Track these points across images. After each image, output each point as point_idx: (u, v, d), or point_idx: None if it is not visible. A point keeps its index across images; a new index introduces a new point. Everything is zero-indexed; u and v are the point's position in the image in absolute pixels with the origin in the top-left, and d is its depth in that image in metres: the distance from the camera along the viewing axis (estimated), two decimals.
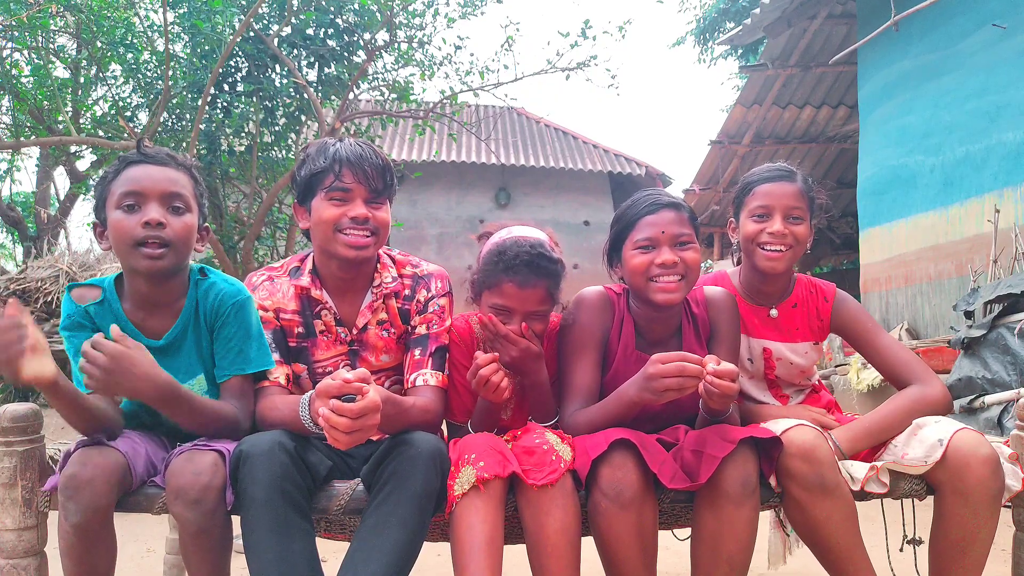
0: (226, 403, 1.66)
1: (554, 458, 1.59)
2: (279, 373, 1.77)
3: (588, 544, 1.63)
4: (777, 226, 1.89)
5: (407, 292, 1.88)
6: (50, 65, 6.13)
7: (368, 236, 1.76)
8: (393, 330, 1.87)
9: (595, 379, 1.84)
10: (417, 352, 1.82)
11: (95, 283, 1.71)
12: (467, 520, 1.54)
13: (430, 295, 1.87)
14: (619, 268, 1.88)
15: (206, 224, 1.76)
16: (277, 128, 6.32)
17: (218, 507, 1.49)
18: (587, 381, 1.82)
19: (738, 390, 1.59)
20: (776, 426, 1.67)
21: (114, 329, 1.50)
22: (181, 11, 5.70)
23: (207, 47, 5.68)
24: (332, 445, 1.46)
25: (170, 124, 6.23)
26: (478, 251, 1.91)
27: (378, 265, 1.88)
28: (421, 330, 1.84)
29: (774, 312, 2.01)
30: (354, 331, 1.85)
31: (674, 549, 2.07)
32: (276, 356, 1.78)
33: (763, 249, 1.91)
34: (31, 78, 6.28)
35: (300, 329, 1.84)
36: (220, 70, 5.41)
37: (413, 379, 1.80)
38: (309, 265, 1.87)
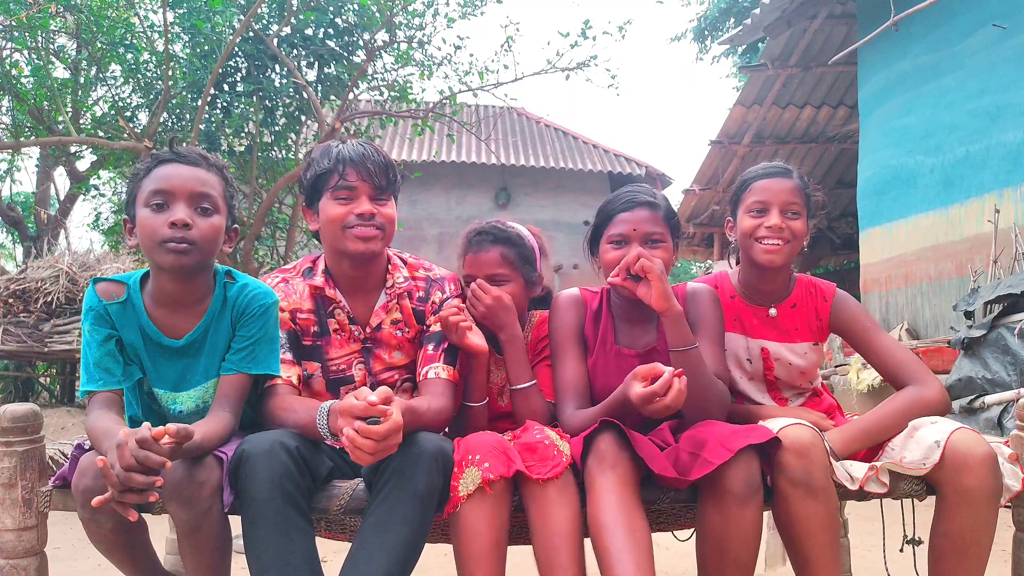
0: (220, 417, 1.63)
1: (556, 452, 1.62)
2: (291, 372, 1.79)
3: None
4: (774, 220, 1.91)
5: (421, 294, 1.93)
6: (50, 65, 6.13)
7: (375, 230, 1.80)
8: (408, 329, 1.92)
9: (582, 373, 1.90)
10: (431, 347, 1.87)
11: (121, 279, 1.72)
12: (472, 525, 1.55)
13: (445, 296, 1.94)
14: (598, 260, 1.95)
15: (235, 226, 1.78)
16: (277, 128, 6.32)
17: (213, 506, 1.49)
18: (574, 377, 1.88)
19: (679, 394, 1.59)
20: (774, 424, 1.67)
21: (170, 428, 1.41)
22: (181, 11, 5.70)
23: (207, 47, 5.68)
24: (355, 462, 1.47)
25: (170, 124, 6.23)
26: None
27: (389, 266, 1.93)
28: (435, 328, 1.89)
29: (773, 311, 2.01)
30: (368, 329, 1.89)
31: (674, 549, 2.07)
32: (288, 356, 1.80)
33: (760, 243, 1.92)
34: (31, 78, 6.28)
35: (315, 328, 1.87)
36: (220, 70, 5.41)
37: (425, 372, 1.84)
38: (321, 266, 1.91)
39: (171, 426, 1.36)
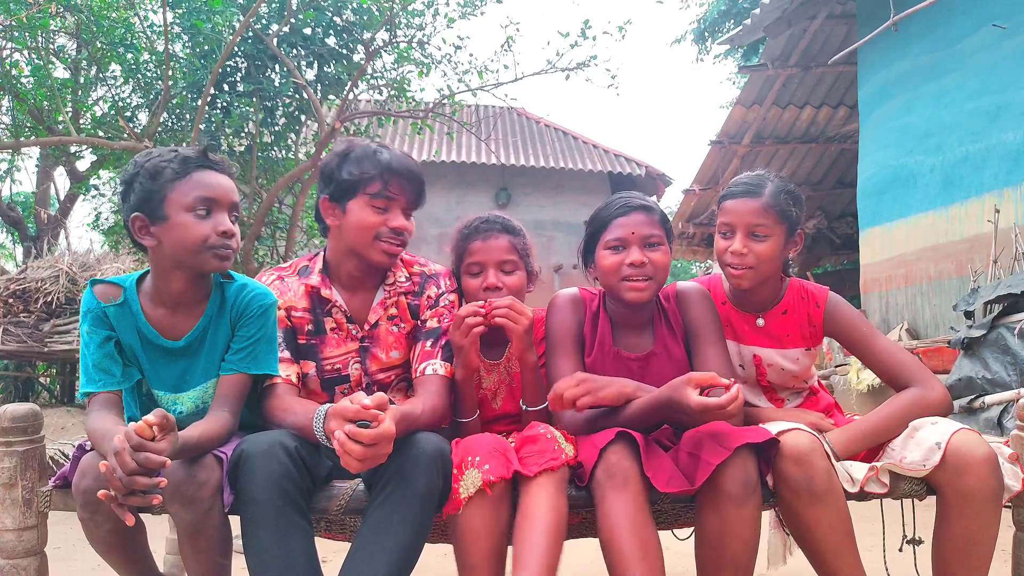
0: (219, 417, 1.63)
1: (556, 447, 1.62)
2: (290, 371, 1.80)
3: (594, 550, 1.63)
4: (736, 245, 1.89)
5: (415, 289, 1.93)
6: (50, 65, 6.13)
7: (400, 246, 1.84)
8: (403, 325, 1.91)
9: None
10: (428, 344, 1.87)
11: (117, 281, 1.72)
12: (474, 529, 1.55)
13: (440, 291, 1.93)
14: (593, 268, 1.94)
15: None
16: (277, 128, 6.32)
17: (214, 507, 1.50)
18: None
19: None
20: (773, 427, 1.67)
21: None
22: (181, 11, 5.70)
23: (207, 47, 5.68)
24: (345, 468, 1.46)
25: (170, 124, 6.24)
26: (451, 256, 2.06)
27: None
28: (432, 323, 1.89)
29: (761, 321, 2.01)
30: (365, 327, 1.88)
31: (674, 549, 2.07)
32: (286, 355, 1.81)
33: (728, 267, 1.92)
34: (31, 78, 6.28)
35: (310, 327, 1.87)
36: (220, 70, 5.41)
37: (422, 368, 1.83)
38: (319, 264, 1.90)
39: (149, 418, 1.35)
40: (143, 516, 1.62)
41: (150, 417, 1.35)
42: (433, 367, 1.83)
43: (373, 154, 1.82)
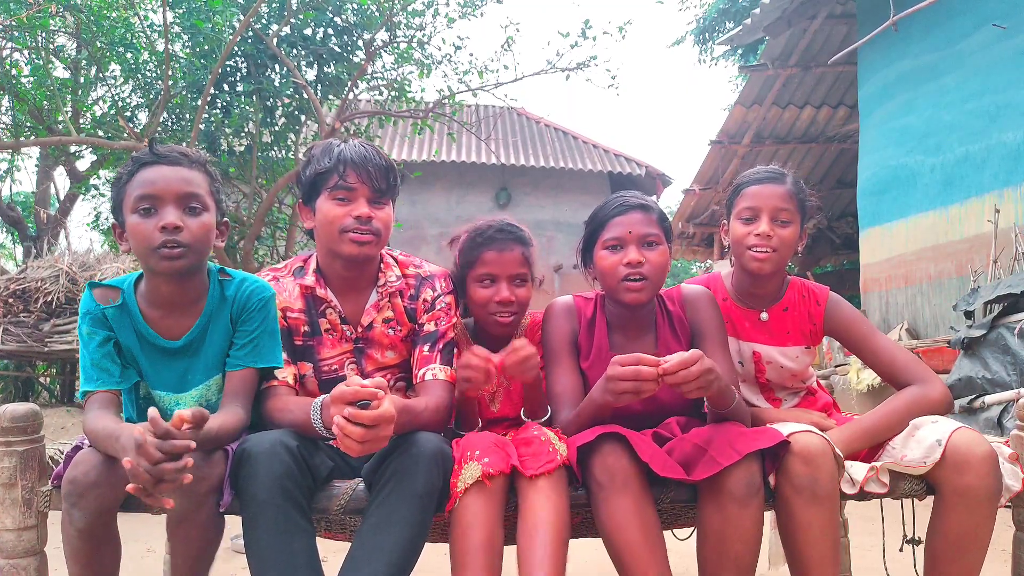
0: (233, 412, 1.63)
1: (551, 450, 1.62)
2: (287, 372, 1.78)
3: (592, 550, 1.63)
4: (763, 227, 1.90)
5: (411, 292, 1.91)
6: (50, 65, 6.13)
7: (371, 235, 1.79)
8: (400, 328, 1.90)
9: (575, 381, 1.88)
10: (426, 348, 1.85)
11: (115, 284, 1.71)
12: (468, 519, 1.55)
13: (436, 294, 1.91)
14: (592, 269, 1.93)
15: (225, 219, 1.76)
16: (276, 128, 6.32)
17: (205, 503, 1.49)
18: (568, 385, 1.86)
19: (705, 371, 1.55)
20: (783, 428, 1.67)
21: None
22: (181, 11, 5.71)
23: (207, 47, 5.68)
24: (346, 453, 1.45)
25: (170, 124, 6.24)
26: (453, 256, 2.02)
27: (381, 264, 1.91)
28: (429, 327, 1.87)
29: (764, 316, 2.01)
30: (359, 329, 1.87)
31: (675, 549, 2.07)
32: (284, 356, 1.79)
33: (750, 251, 1.92)
34: (31, 78, 6.28)
35: (306, 328, 1.85)
36: (220, 70, 5.42)
37: (422, 374, 1.83)
38: (313, 264, 1.89)
39: (186, 412, 1.35)
40: (145, 513, 1.62)
41: (186, 413, 1.34)
42: (433, 372, 1.82)
43: (329, 149, 1.81)
